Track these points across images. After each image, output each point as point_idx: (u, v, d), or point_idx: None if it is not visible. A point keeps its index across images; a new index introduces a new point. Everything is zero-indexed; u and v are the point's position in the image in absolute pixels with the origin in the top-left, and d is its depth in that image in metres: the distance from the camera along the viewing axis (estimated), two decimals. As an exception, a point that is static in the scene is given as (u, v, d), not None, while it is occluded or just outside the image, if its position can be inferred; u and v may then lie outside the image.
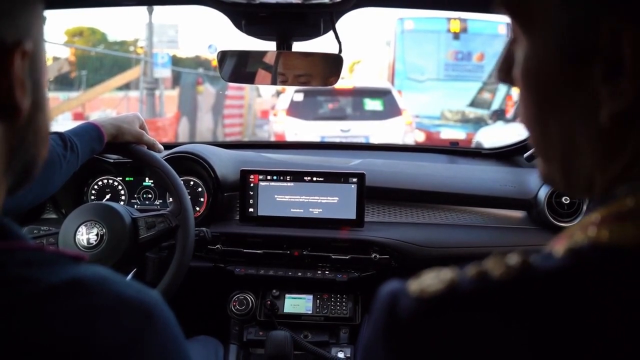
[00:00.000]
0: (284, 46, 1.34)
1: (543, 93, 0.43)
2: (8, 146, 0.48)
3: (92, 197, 1.63)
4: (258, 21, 1.28)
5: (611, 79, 0.38)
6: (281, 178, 1.56)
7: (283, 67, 1.35)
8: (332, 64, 1.34)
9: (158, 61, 10.96)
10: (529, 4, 0.42)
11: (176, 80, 12.12)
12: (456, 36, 10.40)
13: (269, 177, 1.56)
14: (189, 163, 1.55)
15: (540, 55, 0.43)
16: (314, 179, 1.56)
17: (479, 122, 10.17)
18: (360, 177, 1.54)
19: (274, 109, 10.12)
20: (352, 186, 1.54)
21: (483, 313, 0.36)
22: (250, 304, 1.53)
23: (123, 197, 1.65)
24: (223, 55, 1.33)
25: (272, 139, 7.96)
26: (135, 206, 1.61)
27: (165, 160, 1.40)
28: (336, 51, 1.30)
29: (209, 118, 11.18)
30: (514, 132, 6.52)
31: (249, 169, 1.57)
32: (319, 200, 1.56)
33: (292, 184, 1.56)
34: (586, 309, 0.34)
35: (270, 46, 1.35)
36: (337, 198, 1.55)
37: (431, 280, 0.40)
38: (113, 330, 0.45)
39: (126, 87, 11.44)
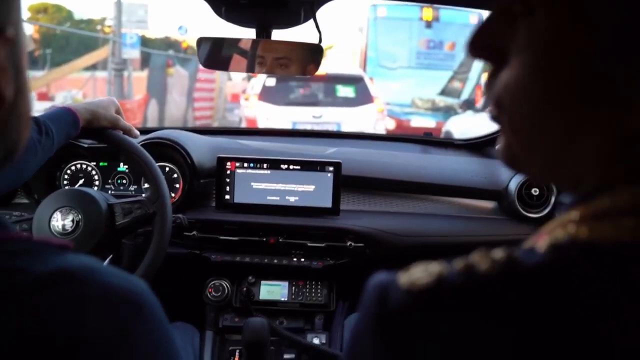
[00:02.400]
0: (263, 34, 1.34)
1: (560, 83, 0.40)
2: None
3: (65, 182, 1.61)
4: (239, 8, 1.27)
5: None
6: (258, 165, 1.56)
7: (262, 50, 1.34)
8: (312, 53, 1.34)
9: (127, 41, 10.73)
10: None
11: (145, 61, 11.89)
12: (428, 24, 10.45)
13: (245, 165, 1.56)
14: (165, 149, 1.54)
15: (567, 42, 0.40)
16: (291, 167, 1.56)
17: (448, 111, 10.29)
18: (337, 166, 1.55)
19: (244, 93, 10.04)
20: (329, 175, 1.56)
21: (470, 306, 0.38)
22: (226, 291, 1.54)
23: (97, 183, 1.63)
24: (202, 42, 1.32)
25: (243, 123, 7.91)
26: (110, 192, 1.60)
27: (141, 145, 1.39)
28: (315, 41, 1.30)
29: (178, 101, 11.03)
30: (484, 122, 6.62)
31: (226, 155, 1.57)
32: (296, 188, 1.57)
33: (268, 171, 1.57)
34: (567, 302, 0.36)
35: (248, 33, 1.35)
36: (313, 186, 1.56)
37: (420, 273, 0.41)
38: (102, 320, 0.45)
39: (93, 67, 11.18)
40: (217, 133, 1.93)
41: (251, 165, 1.57)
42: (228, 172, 1.56)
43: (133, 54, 10.98)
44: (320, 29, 1.31)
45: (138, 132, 1.44)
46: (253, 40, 1.34)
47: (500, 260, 0.39)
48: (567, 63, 0.40)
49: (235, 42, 1.34)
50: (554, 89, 0.41)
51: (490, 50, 0.45)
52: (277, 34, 1.37)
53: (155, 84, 10.54)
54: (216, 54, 1.36)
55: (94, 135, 1.36)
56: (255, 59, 1.36)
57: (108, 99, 1.40)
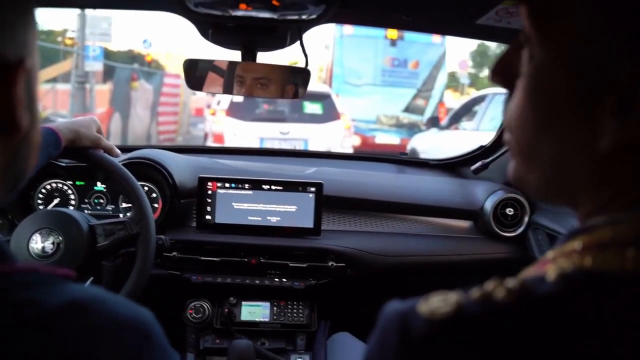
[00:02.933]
0: (249, 56, 1.35)
1: (549, 107, 0.45)
2: (3, 162, 0.48)
3: (39, 202, 1.57)
4: (225, 31, 1.28)
5: (621, 113, 0.41)
6: (240, 186, 1.56)
7: (242, 70, 1.35)
8: (295, 76, 1.36)
9: (89, 54, 10.56)
10: (557, 21, 0.44)
11: (107, 74, 11.71)
12: (393, 43, 10.66)
13: (227, 185, 1.56)
14: (146, 169, 1.53)
15: (555, 73, 0.44)
16: (273, 187, 1.57)
17: (412, 128, 10.47)
18: (319, 186, 1.57)
19: (209, 108, 9.98)
20: (310, 195, 1.57)
21: (490, 335, 0.40)
22: (207, 312, 1.52)
23: (73, 202, 1.59)
24: (188, 64, 1.32)
25: (210, 138, 7.85)
26: (86, 211, 1.57)
27: (122, 165, 1.37)
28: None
29: (142, 115, 10.88)
30: (448, 140, 6.76)
31: (208, 176, 1.56)
32: (277, 209, 1.57)
33: (250, 192, 1.57)
34: (578, 330, 0.38)
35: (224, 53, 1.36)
36: (295, 206, 1.57)
37: (439, 302, 0.43)
38: (114, 350, 0.46)
39: (53, 79, 10.95)
40: (197, 152, 1.92)
41: (233, 185, 1.56)
42: (209, 192, 1.56)
43: (96, 66, 10.81)
44: (307, 53, 1.34)
45: (119, 152, 1.42)
46: (239, 63, 1.34)
47: (514, 289, 0.41)
48: (549, 90, 0.45)
49: (220, 64, 1.35)
50: (542, 112, 0.45)
51: (506, 77, 0.49)
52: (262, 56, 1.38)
53: (119, 98, 10.38)
54: (202, 75, 1.37)
55: (75, 155, 1.34)
56: (236, 79, 1.37)
57: (89, 118, 1.38)
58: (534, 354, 0.38)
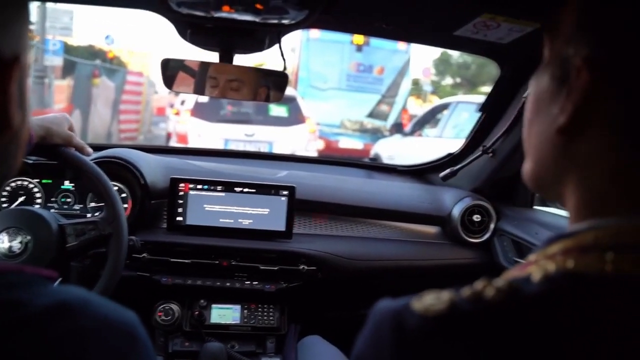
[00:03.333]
0: (226, 58, 1.34)
1: (536, 102, 0.54)
2: None
3: (3, 200, 1.53)
4: (204, 32, 1.28)
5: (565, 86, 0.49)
6: (212, 188, 1.56)
7: (215, 72, 1.35)
8: (269, 79, 1.36)
9: (49, 48, 10.28)
10: (556, 32, 0.52)
11: (67, 69, 11.41)
12: (359, 48, 10.75)
13: (199, 186, 1.55)
14: (117, 168, 1.50)
15: (545, 72, 0.53)
16: (245, 189, 1.57)
17: (376, 133, 10.57)
18: (291, 189, 1.57)
19: (172, 107, 9.85)
20: (283, 198, 1.57)
21: (481, 330, 0.42)
22: (176, 314, 1.51)
23: (39, 201, 1.56)
24: (165, 63, 1.31)
25: (174, 138, 7.75)
26: (52, 210, 1.53)
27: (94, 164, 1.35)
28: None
29: (103, 113, 10.65)
30: (412, 147, 6.85)
31: (180, 177, 1.55)
32: (249, 211, 1.57)
33: (223, 194, 1.56)
34: (561, 326, 0.41)
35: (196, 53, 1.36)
36: (267, 209, 1.57)
37: (433, 300, 0.45)
38: (101, 351, 0.46)
39: (10, 72, 10.58)
40: (168, 152, 1.90)
41: (205, 187, 1.56)
42: (181, 193, 1.54)
43: (55, 61, 10.52)
44: (285, 57, 1.34)
45: (91, 150, 1.39)
46: (215, 64, 1.34)
47: (503, 288, 0.44)
48: (539, 86, 0.53)
49: (192, 64, 1.34)
50: (532, 107, 0.54)
51: None
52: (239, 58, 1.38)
53: (79, 94, 10.13)
54: (174, 74, 1.35)
55: (46, 152, 1.30)
56: (208, 80, 1.36)
57: (61, 115, 1.35)
58: (522, 349, 0.41)
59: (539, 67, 0.54)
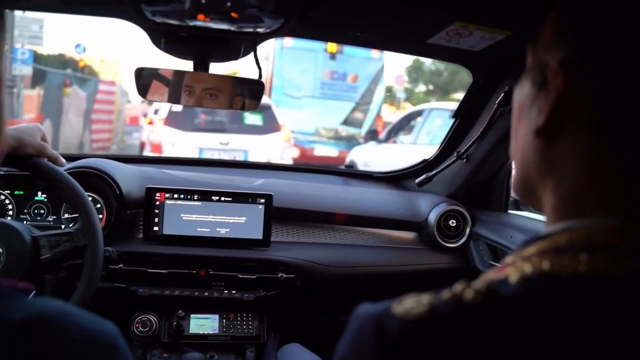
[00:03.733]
0: (201, 66, 1.34)
1: (518, 109, 0.55)
2: None
3: (-27, 212, 1.50)
4: (179, 40, 1.27)
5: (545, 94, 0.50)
6: (188, 197, 1.55)
7: (191, 80, 1.35)
8: (245, 87, 1.36)
9: (18, 57, 10.10)
10: (537, 42, 0.54)
11: (37, 78, 11.22)
12: (332, 56, 10.81)
13: (175, 196, 1.54)
14: (91, 178, 1.48)
15: (526, 80, 0.54)
16: (222, 198, 1.56)
17: (351, 141, 10.63)
18: (268, 198, 1.57)
19: (145, 117, 9.75)
20: (260, 207, 1.57)
21: (461, 332, 0.43)
22: (154, 326, 1.49)
23: (10, 213, 1.53)
24: (138, 72, 1.31)
25: (148, 148, 7.67)
26: (25, 222, 1.50)
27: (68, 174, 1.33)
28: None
29: (75, 122, 10.49)
30: (387, 153, 6.90)
31: (156, 186, 1.54)
32: (226, 220, 1.56)
33: (199, 203, 1.55)
34: (539, 326, 0.42)
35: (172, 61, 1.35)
36: (244, 218, 1.57)
37: (412, 303, 0.46)
38: None
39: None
40: (144, 162, 1.88)
41: (181, 196, 1.55)
42: (157, 203, 1.53)
43: (24, 70, 10.34)
44: (260, 65, 1.35)
45: (64, 161, 1.37)
46: (190, 72, 1.34)
47: (481, 290, 0.45)
48: (521, 94, 0.55)
49: (166, 72, 1.33)
50: (515, 114, 0.56)
51: None
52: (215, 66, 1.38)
53: (50, 104, 9.96)
54: (147, 83, 1.35)
55: (18, 163, 1.28)
56: (184, 88, 1.36)
57: (34, 125, 1.33)
58: (501, 350, 0.42)
59: (522, 76, 0.56)
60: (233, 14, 1.04)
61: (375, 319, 0.46)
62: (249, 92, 1.36)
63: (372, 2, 1.04)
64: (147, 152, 7.48)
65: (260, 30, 1.14)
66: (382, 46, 1.51)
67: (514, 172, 0.58)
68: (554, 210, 0.51)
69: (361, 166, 7.00)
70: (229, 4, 0.99)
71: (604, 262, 0.44)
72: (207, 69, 1.34)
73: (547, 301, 0.43)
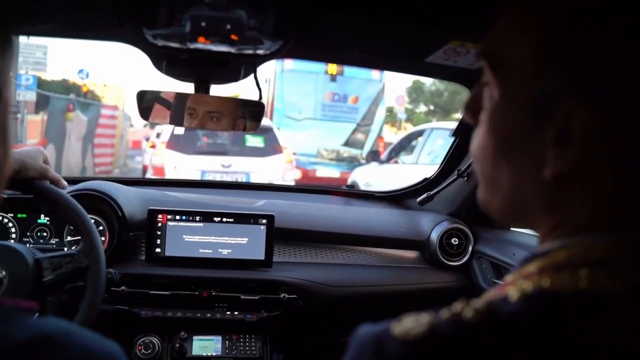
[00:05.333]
0: (202, 89, 1.36)
1: (502, 138, 0.51)
2: None
3: (-24, 235, 1.50)
4: (180, 63, 1.29)
5: (560, 144, 0.46)
6: (190, 218, 1.55)
7: (194, 103, 1.36)
8: (247, 109, 1.38)
9: (22, 83, 10.21)
10: (507, 66, 0.50)
11: (40, 104, 11.32)
12: (333, 78, 10.89)
13: (177, 217, 1.55)
14: (93, 200, 1.49)
15: (507, 107, 0.51)
16: (224, 219, 1.57)
17: (352, 162, 10.65)
18: (270, 218, 1.58)
19: (148, 140, 9.80)
20: (262, 227, 1.57)
21: (462, 351, 0.43)
22: (157, 348, 1.48)
23: (13, 236, 1.53)
24: (140, 95, 1.32)
25: (150, 171, 7.70)
26: (29, 245, 1.50)
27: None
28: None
29: (78, 146, 10.55)
30: (388, 173, 6.91)
31: (158, 208, 1.54)
32: (228, 241, 1.57)
33: (201, 224, 1.56)
34: (540, 344, 0.42)
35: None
36: (246, 239, 1.57)
37: (412, 323, 0.45)
38: None
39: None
40: (146, 184, 1.89)
41: (183, 217, 1.55)
42: (159, 224, 1.53)
43: (28, 95, 10.45)
44: (260, 86, 1.36)
45: (66, 183, 1.38)
46: (191, 95, 1.35)
47: (481, 309, 0.45)
48: (504, 123, 0.51)
49: (168, 95, 1.35)
50: (499, 143, 0.52)
51: (474, 112, 0.56)
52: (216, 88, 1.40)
53: (53, 129, 10.03)
54: (150, 106, 1.36)
55: (21, 186, 1.29)
56: (187, 111, 1.37)
57: (36, 149, 1.34)
58: None
59: (489, 100, 0.53)
60: (233, 37, 1.06)
61: (375, 340, 0.46)
62: (250, 114, 1.37)
63: (368, 22, 1.06)
64: (150, 176, 7.50)
65: (259, 52, 1.15)
66: (381, 66, 1.53)
67: (494, 199, 0.54)
68: (550, 229, 0.50)
69: (363, 187, 7.00)
70: (228, 26, 1.01)
71: (604, 277, 0.44)
72: (208, 91, 1.36)
73: (548, 319, 0.43)
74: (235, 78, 1.38)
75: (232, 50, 1.13)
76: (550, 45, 0.47)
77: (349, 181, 7.93)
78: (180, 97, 1.34)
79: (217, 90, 1.40)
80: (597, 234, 0.46)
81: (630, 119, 0.45)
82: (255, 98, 1.36)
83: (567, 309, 0.43)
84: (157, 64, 1.33)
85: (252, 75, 1.38)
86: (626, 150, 0.45)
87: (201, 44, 1.12)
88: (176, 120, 1.39)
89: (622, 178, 0.46)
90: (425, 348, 0.43)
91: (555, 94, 0.46)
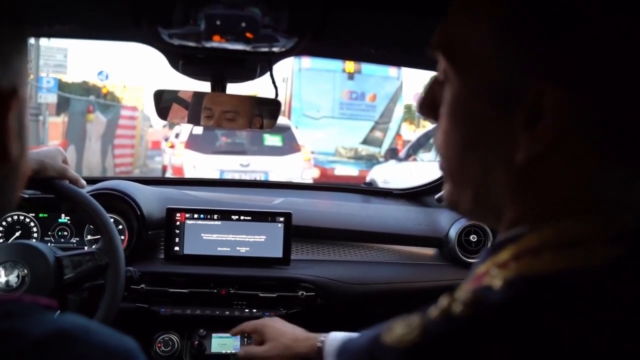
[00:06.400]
0: (218, 87, 1.36)
1: (470, 130, 0.50)
2: None
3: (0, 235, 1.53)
4: (196, 62, 1.30)
5: (531, 127, 0.46)
6: (208, 216, 1.56)
7: (210, 103, 1.36)
8: (264, 107, 1.38)
9: (43, 85, 10.37)
10: (467, 55, 0.49)
11: (61, 106, 11.49)
12: (351, 76, 10.87)
13: (195, 216, 1.56)
14: (113, 200, 1.50)
15: (471, 97, 0.50)
16: (242, 217, 1.57)
17: (371, 160, 10.62)
18: (287, 216, 1.58)
19: (167, 141, 9.89)
20: (279, 225, 1.57)
21: (458, 348, 0.42)
22: (176, 345, 1.49)
23: (35, 235, 1.56)
24: (157, 94, 1.33)
25: (169, 171, 7.77)
26: (50, 244, 1.53)
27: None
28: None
29: (98, 147, 10.69)
30: (406, 171, 6.87)
31: (176, 207, 1.55)
32: (246, 239, 1.57)
33: (219, 222, 1.56)
34: (531, 329, 0.42)
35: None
36: (264, 237, 1.57)
37: (403, 329, 0.45)
38: None
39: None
40: (164, 183, 1.90)
41: (201, 216, 1.56)
42: (178, 223, 1.55)
43: (49, 98, 10.61)
44: (276, 84, 1.36)
45: (85, 182, 1.40)
46: (207, 93, 1.36)
47: (468, 301, 0.44)
48: (469, 114, 0.50)
49: (185, 94, 1.36)
50: (465, 135, 0.51)
51: (431, 108, 0.55)
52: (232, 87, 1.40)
53: (74, 130, 10.18)
54: (167, 106, 1.37)
55: (40, 185, 1.31)
56: (204, 109, 1.38)
57: (55, 149, 1.36)
58: (500, 356, 0.41)
59: (449, 93, 0.52)
60: (248, 34, 1.06)
61: (367, 354, 0.45)
62: (267, 112, 1.38)
63: (384, 18, 1.05)
64: (169, 175, 7.57)
65: (275, 49, 1.16)
66: (398, 62, 1.52)
67: (462, 195, 0.53)
68: (518, 217, 0.49)
69: (381, 184, 6.98)
70: (243, 24, 1.01)
71: (579, 255, 0.44)
72: (224, 89, 1.36)
73: (534, 302, 0.43)
74: (251, 76, 1.38)
75: (248, 48, 1.13)
76: (512, 28, 0.46)
77: (367, 179, 7.91)
78: (198, 96, 1.35)
79: (235, 88, 1.41)
80: (566, 216, 0.46)
81: (601, 96, 0.44)
82: (272, 96, 1.36)
83: (550, 290, 0.43)
84: (174, 63, 1.34)
85: (268, 74, 1.39)
86: (597, 127, 0.45)
87: (216, 43, 1.12)
88: (194, 120, 1.39)
89: (594, 158, 0.46)
90: (421, 353, 0.43)
91: (523, 77, 0.46)
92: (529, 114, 0.45)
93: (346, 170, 10.36)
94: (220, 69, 1.32)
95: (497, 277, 0.45)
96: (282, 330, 1.17)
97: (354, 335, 1.07)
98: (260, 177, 7.28)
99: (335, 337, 1.08)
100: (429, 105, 0.55)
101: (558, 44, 0.45)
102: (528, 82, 0.45)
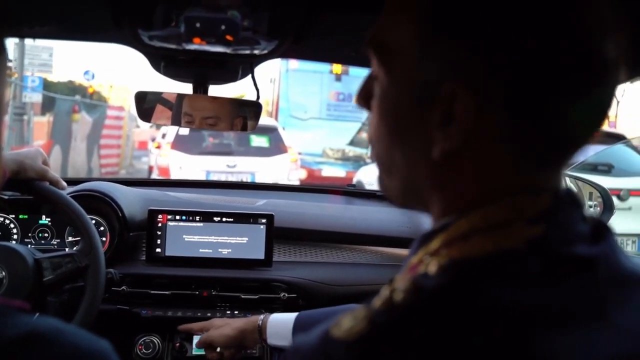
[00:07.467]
0: (200, 89, 1.36)
1: (393, 124, 0.53)
2: None
3: (-22, 236, 1.52)
4: (178, 64, 1.30)
5: (445, 125, 0.48)
6: (190, 218, 1.56)
7: (190, 109, 1.36)
8: (245, 109, 1.38)
9: (28, 84, 10.27)
10: (393, 53, 0.52)
11: (46, 105, 11.38)
12: (338, 77, 10.89)
13: (177, 217, 1.55)
14: (93, 201, 1.50)
15: (395, 94, 0.52)
16: (224, 219, 1.57)
17: (358, 161, 10.65)
18: (270, 218, 1.58)
19: (154, 141, 9.84)
20: (261, 227, 1.58)
21: (403, 335, 0.43)
22: (157, 347, 1.49)
23: (15, 237, 1.54)
24: (139, 96, 1.33)
25: (155, 172, 7.73)
26: (30, 246, 1.52)
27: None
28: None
29: (84, 147, 10.60)
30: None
31: (158, 208, 1.55)
32: (228, 241, 1.57)
33: (201, 224, 1.56)
34: (467, 310, 0.43)
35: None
36: (246, 238, 1.57)
37: (350, 322, 0.45)
38: None
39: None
40: (147, 185, 1.90)
41: (183, 217, 1.56)
42: (159, 224, 1.54)
43: (34, 97, 10.50)
44: (258, 86, 1.36)
45: (65, 184, 1.39)
46: (188, 95, 1.36)
47: (408, 289, 0.45)
48: (393, 110, 0.53)
49: (169, 96, 1.35)
50: (390, 129, 0.54)
51: (366, 100, 0.58)
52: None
53: (59, 130, 10.09)
54: (151, 107, 1.37)
55: (20, 187, 1.30)
56: (184, 116, 1.37)
57: (35, 150, 1.35)
58: (444, 339, 0.42)
59: (379, 87, 0.54)
60: (228, 37, 1.06)
61: (321, 351, 0.46)
62: (248, 113, 1.38)
63: (363, 20, 1.06)
64: (155, 176, 7.54)
65: (256, 52, 1.16)
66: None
67: (390, 182, 0.56)
68: (444, 208, 0.52)
69: (368, 186, 7.00)
70: (223, 27, 1.01)
71: (505, 237, 0.46)
72: (206, 91, 1.36)
73: (467, 285, 0.44)
74: (233, 78, 1.38)
75: (228, 50, 1.14)
76: (430, 29, 0.48)
77: (354, 180, 7.94)
78: (181, 98, 1.35)
79: (217, 90, 1.40)
80: (488, 205, 0.48)
81: (511, 97, 0.46)
82: (261, 99, 1.36)
83: (481, 272, 0.45)
84: (156, 65, 1.34)
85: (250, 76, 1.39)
86: (509, 127, 0.47)
87: (197, 45, 1.12)
88: (178, 121, 1.39)
89: (508, 154, 0.48)
90: (369, 343, 0.43)
91: (439, 76, 0.48)
92: (443, 113, 0.48)
93: (333, 171, 10.38)
94: (202, 71, 1.32)
95: (431, 264, 0.47)
96: (227, 320, 1.31)
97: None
98: (246, 178, 7.28)
99: (276, 317, 1.21)
100: (363, 98, 0.58)
101: (470, 46, 0.46)
102: (443, 82, 0.47)
